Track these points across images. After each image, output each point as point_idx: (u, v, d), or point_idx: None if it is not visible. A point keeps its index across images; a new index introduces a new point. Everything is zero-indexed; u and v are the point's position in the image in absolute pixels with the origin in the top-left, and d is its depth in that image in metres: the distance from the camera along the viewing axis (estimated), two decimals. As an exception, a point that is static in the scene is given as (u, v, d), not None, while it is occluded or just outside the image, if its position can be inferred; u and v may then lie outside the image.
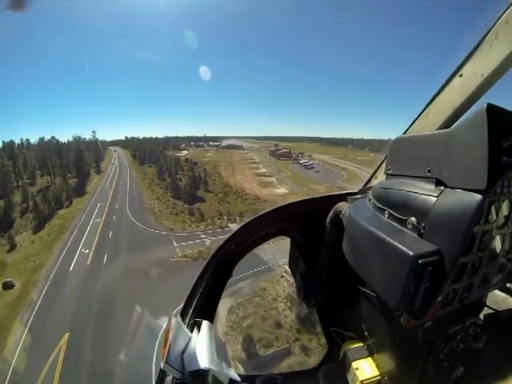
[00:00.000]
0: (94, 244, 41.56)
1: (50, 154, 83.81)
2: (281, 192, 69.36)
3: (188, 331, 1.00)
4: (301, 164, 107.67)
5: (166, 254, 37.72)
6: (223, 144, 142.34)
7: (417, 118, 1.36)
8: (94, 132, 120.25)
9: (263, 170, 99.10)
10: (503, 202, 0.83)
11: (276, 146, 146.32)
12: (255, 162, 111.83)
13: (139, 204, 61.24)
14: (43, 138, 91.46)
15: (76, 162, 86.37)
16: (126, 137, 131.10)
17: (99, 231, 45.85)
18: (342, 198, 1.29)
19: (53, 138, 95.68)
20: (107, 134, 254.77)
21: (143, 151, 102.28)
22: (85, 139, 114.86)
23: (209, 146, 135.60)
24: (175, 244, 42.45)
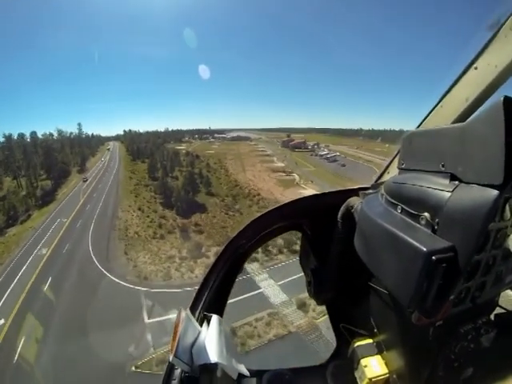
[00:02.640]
0: (16, 309, 24.66)
1: (14, 152, 67.66)
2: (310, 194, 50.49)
3: (197, 325, 1.01)
4: (321, 156, 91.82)
5: (124, 350, 18.57)
6: (229, 136, 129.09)
7: (430, 112, 1.36)
8: (79, 125, 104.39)
9: (279, 164, 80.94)
10: None
11: (288, 136, 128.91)
12: (268, 155, 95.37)
13: (111, 220, 44.00)
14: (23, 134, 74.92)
15: (53, 161, 69.94)
16: (124, 130, 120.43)
17: (33, 279, 28.71)
18: (354, 192, 1.30)
19: (33, 133, 79.39)
20: (112, 129, 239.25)
21: (139, 145, 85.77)
22: (72, 133, 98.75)
23: (214, 138, 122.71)
24: (147, 320, 21.98)
